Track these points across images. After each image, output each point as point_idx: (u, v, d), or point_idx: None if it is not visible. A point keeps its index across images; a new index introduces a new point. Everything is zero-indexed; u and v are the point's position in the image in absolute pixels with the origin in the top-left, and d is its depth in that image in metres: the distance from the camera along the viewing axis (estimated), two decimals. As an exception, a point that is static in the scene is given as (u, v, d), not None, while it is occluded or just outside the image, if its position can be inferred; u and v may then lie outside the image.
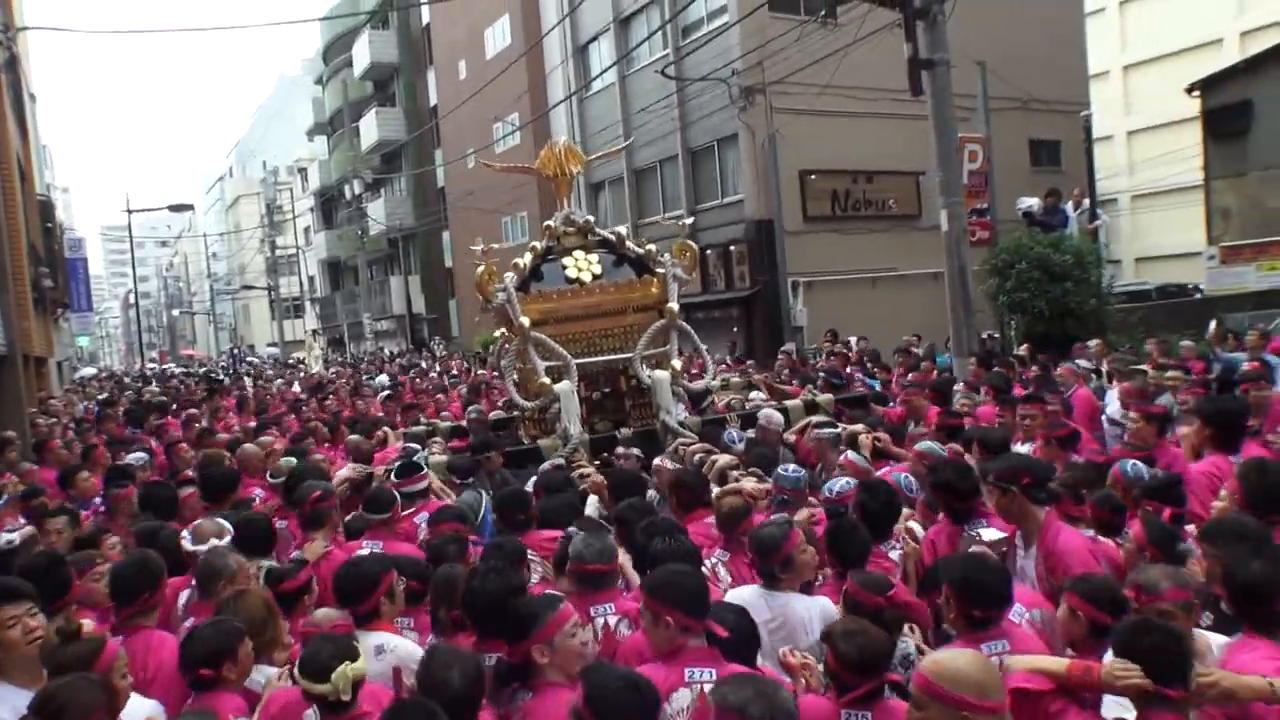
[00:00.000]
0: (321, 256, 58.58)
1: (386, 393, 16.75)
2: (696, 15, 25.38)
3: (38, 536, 6.01)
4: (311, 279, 62.95)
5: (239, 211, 75.17)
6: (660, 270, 9.26)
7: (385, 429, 10.02)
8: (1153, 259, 35.98)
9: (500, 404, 11.45)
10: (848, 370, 13.94)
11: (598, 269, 9.36)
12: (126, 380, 38.23)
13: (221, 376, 33.94)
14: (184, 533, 5.29)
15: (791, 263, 23.19)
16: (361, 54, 47.28)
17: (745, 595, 4.40)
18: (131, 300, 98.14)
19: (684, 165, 26.05)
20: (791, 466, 6.45)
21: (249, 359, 53.67)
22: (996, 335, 16.32)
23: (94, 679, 3.39)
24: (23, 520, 6.64)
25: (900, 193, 24.91)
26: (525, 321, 8.77)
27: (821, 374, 12.79)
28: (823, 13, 19.69)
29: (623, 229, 10.30)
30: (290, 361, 37.85)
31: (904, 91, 13.80)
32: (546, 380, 8.65)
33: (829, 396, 10.14)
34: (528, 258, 9.44)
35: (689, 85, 24.43)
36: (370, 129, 46.53)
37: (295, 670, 3.58)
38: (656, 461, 7.11)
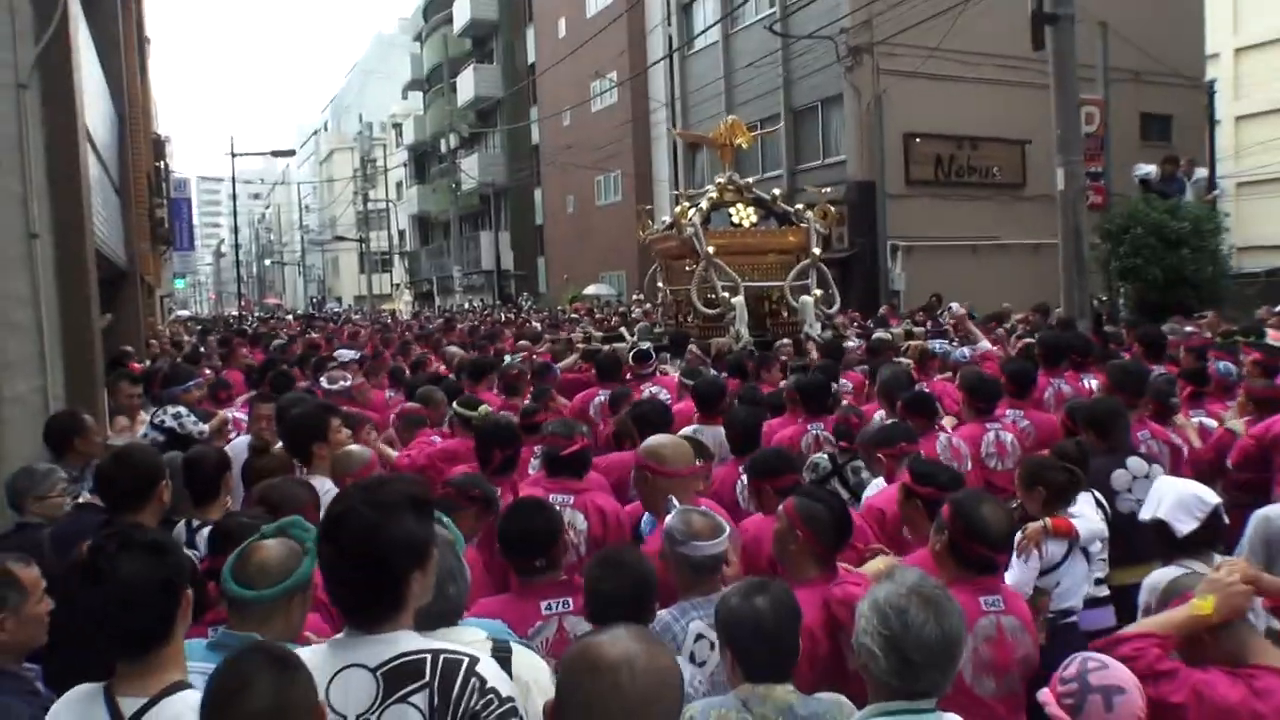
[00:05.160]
0: (412, 211, 59.48)
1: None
2: (805, -27, 25.22)
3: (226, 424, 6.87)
4: (401, 233, 63.91)
5: (333, 165, 76.73)
6: (803, 224, 12.06)
7: None
8: (1256, 248, 35.06)
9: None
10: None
11: (754, 218, 12.18)
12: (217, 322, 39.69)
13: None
14: (322, 378, 8.21)
15: (892, 226, 23.07)
16: (462, 11, 47.83)
17: None
18: (222, 250, 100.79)
19: (786, 124, 25.93)
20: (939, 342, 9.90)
21: (335, 309, 54.81)
22: (1105, 298, 16.05)
23: (304, 481, 4.04)
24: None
25: (1005, 161, 24.51)
26: (710, 249, 11.38)
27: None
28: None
29: (777, 191, 13.20)
30: (379, 312, 38.93)
31: (1014, 57, 13.81)
32: (726, 294, 11.17)
33: (924, 329, 13.03)
34: (705, 204, 12.13)
35: (793, 44, 24.31)
36: (467, 85, 47.13)
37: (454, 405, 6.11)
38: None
